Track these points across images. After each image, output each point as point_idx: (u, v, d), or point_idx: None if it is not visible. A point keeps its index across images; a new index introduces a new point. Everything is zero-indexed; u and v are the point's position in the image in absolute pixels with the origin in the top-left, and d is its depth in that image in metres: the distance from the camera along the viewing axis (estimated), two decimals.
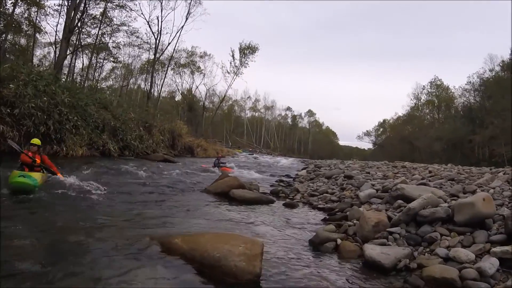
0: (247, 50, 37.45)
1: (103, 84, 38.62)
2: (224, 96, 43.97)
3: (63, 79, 16.85)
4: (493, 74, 37.33)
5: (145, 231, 3.78)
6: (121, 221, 4.28)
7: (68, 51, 17.47)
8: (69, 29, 15.77)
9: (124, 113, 17.26)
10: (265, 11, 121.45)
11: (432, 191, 4.93)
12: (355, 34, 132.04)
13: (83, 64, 30.25)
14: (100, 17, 22.26)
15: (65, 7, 18.40)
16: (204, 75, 42.31)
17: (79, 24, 21.59)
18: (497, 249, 2.97)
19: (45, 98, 11.49)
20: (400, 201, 4.76)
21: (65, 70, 23.43)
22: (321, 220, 5.18)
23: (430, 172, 8.62)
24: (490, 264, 2.78)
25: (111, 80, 40.77)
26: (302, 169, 15.02)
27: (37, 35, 25.40)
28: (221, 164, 14.06)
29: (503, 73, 36.01)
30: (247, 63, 38.01)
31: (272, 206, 6.34)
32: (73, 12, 16.07)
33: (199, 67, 41.84)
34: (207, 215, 5.03)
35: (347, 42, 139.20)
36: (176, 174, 10.22)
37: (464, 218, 3.50)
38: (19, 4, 17.62)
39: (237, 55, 38.02)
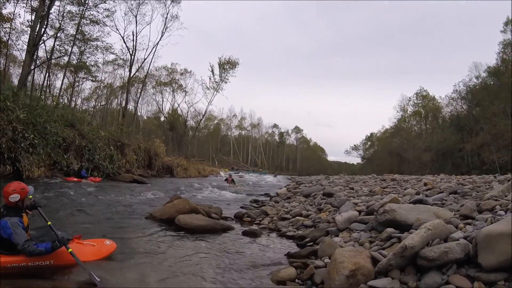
0: (227, 65, 36.45)
1: (85, 105, 37.24)
2: (205, 112, 42.71)
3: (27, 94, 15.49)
4: (480, 81, 36.68)
5: None
6: None
7: (32, 65, 16.10)
8: (33, 42, 14.54)
9: (92, 131, 16.10)
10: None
11: (436, 212, 3.82)
12: (341, 57, 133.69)
13: (62, 83, 28.71)
14: (75, 33, 21.07)
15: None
16: (185, 93, 41.07)
17: (52, 40, 20.53)
18: None
19: None
20: (390, 230, 3.52)
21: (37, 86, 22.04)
22: (285, 255, 4.01)
23: (425, 184, 7.58)
24: None
25: (93, 100, 39.22)
26: (285, 187, 13.82)
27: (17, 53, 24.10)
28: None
29: (490, 79, 35.24)
30: (227, 79, 37.01)
31: (228, 234, 5.17)
32: (38, 25, 14.87)
33: (181, 85, 40.67)
34: (135, 254, 3.90)
35: (328, 64, 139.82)
36: (129, 197, 8.95)
37: (496, 260, 2.30)
38: None
39: (216, 71, 37.05)
